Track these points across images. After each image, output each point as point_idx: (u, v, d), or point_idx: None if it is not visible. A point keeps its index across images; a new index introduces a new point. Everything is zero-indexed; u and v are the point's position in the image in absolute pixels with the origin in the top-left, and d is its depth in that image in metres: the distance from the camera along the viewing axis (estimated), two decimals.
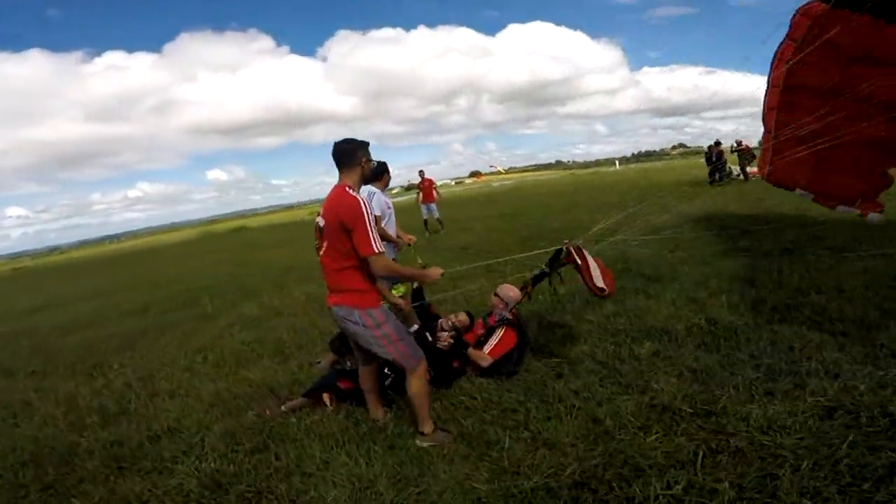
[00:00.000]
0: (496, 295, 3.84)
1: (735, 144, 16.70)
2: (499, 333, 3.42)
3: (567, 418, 2.67)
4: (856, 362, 3.04)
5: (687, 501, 1.98)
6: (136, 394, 4.10)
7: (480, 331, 3.61)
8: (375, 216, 4.01)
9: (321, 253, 2.60)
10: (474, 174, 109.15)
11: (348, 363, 3.83)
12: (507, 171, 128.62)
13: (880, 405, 2.42)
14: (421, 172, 13.33)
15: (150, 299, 9.84)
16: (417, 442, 2.61)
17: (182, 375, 4.45)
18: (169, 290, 10.79)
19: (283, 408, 3.22)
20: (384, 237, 4.35)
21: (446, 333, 3.39)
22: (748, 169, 16.73)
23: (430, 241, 11.45)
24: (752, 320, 3.93)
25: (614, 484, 2.11)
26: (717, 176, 16.41)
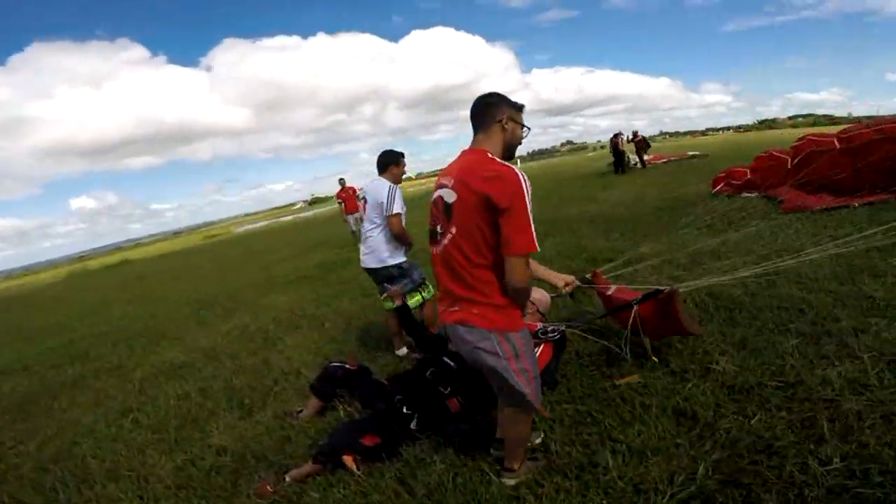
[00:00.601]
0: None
1: (632, 136, 18.23)
2: (538, 349, 2.94)
3: (649, 419, 2.35)
4: (866, 316, 3.13)
5: (858, 469, 1.78)
6: (61, 480, 3.02)
7: None
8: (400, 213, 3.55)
9: (445, 241, 1.81)
10: None
11: (341, 409, 3.15)
12: (417, 177, 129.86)
13: None
14: (342, 181, 12.53)
15: (27, 354, 7.85)
16: (505, 482, 2.10)
17: (113, 448, 3.39)
18: (52, 342, 8.74)
19: (287, 479, 2.46)
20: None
21: None
22: (645, 157, 18.39)
23: None
24: (746, 290, 3.98)
25: (766, 473, 1.85)
26: (621, 166, 17.72)
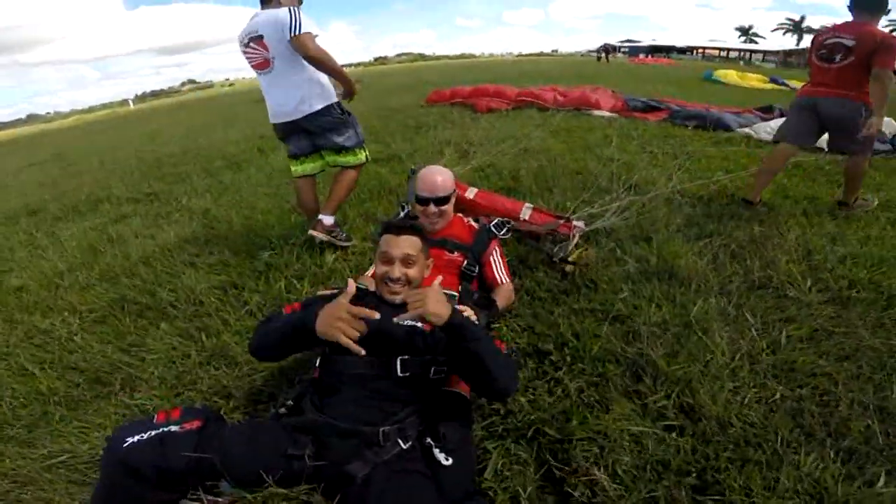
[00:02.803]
0: (425, 183, 2.16)
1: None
2: (499, 252, 2.24)
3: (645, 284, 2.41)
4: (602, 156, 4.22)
5: None
6: None
7: (450, 254, 2.11)
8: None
9: (845, 62, 2.93)
10: None
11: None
12: None
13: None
14: None
15: None
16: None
17: None
18: None
19: None
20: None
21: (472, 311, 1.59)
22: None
23: None
24: (525, 161, 4.59)
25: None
26: None
